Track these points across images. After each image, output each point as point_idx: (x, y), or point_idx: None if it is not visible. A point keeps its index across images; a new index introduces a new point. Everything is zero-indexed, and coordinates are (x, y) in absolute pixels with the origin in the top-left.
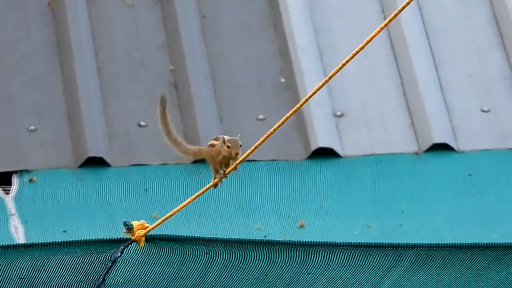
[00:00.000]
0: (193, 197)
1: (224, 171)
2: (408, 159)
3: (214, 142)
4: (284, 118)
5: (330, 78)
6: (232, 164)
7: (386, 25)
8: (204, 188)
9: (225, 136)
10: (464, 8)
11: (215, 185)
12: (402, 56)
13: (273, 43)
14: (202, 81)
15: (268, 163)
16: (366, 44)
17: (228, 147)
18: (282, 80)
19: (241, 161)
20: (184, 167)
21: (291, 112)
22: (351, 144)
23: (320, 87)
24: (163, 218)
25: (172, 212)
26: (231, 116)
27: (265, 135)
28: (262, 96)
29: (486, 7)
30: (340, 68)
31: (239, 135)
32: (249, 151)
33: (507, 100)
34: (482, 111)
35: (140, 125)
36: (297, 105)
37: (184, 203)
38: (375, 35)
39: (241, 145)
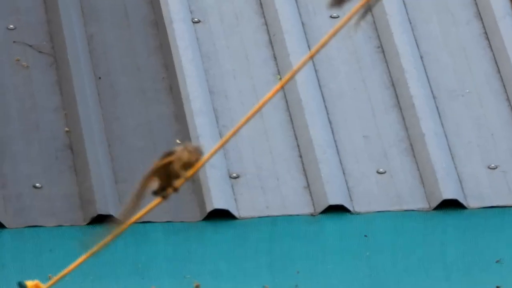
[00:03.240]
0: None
1: (172, 186)
2: (303, 221)
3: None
4: (181, 181)
5: (225, 141)
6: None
7: (281, 86)
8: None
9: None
10: (360, 71)
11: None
12: (297, 118)
13: (169, 105)
14: (98, 143)
15: (164, 224)
16: (261, 106)
17: (190, 152)
18: (178, 142)
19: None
20: (79, 229)
21: (187, 175)
22: (246, 206)
23: (216, 150)
24: (58, 276)
25: (67, 269)
26: (127, 179)
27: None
28: (157, 159)
29: (382, 70)
30: (236, 131)
31: (202, 143)
32: (144, 210)
33: (403, 162)
34: (378, 173)
35: (35, 187)
36: (193, 169)
37: (83, 257)
38: (269, 98)
39: (202, 153)
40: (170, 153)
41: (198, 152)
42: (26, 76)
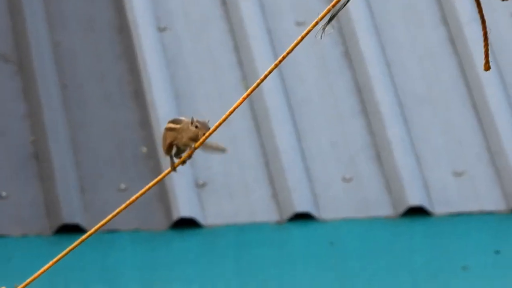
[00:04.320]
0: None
1: (174, 159)
2: (270, 228)
3: (172, 125)
4: (147, 187)
5: (193, 150)
6: (187, 151)
7: (248, 95)
8: (160, 176)
9: (193, 117)
10: (327, 77)
11: (175, 169)
12: (264, 126)
13: (135, 112)
14: (64, 151)
15: (131, 233)
16: (228, 115)
17: (197, 127)
18: (144, 149)
19: (188, 155)
20: (45, 238)
21: (154, 181)
22: (213, 213)
23: (183, 159)
24: (23, 284)
25: (32, 277)
26: (93, 187)
27: (127, 203)
28: (123, 166)
29: (349, 76)
30: (204, 140)
31: (209, 119)
32: (109, 216)
33: (369, 169)
34: (344, 179)
35: (0, 196)
36: (160, 176)
37: (48, 265)
38: (237, 107)
39: (209, 128)
40: (177, 121)
41: (205, 127)
42: None
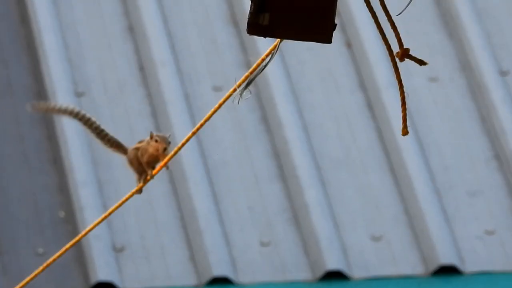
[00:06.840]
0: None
1: (151, 171)
2: None
3: (138, 145)
4: (63, 250)
5: (110, 213)
6: (159, 165)
7: (165, 163)
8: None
9: (152, 132)
10: (244, 141)
11: (140, 191)
12: (181, 189)
13: (53, 177)
14: None
15: None
16: (146, 183)
17: (156, 141)
18: (62, 214)
19: (166, 162)
20: None
21: (69, 245)
22: (131, 277)
23: (100, 221)
24: None
25: None
26: (10, 250)
27: (43, 265)
28: (41, 230)
29: (266, 140)
30: (121, 204)
31: (169, 134)
32: (26, 279)
33: (286, 232)
34: (262, 243)
35: None
36: (76, 238)
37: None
38: (154, 174)
39: (169, 142)
40: (141, 141)
41: (164, 141)
42: None
